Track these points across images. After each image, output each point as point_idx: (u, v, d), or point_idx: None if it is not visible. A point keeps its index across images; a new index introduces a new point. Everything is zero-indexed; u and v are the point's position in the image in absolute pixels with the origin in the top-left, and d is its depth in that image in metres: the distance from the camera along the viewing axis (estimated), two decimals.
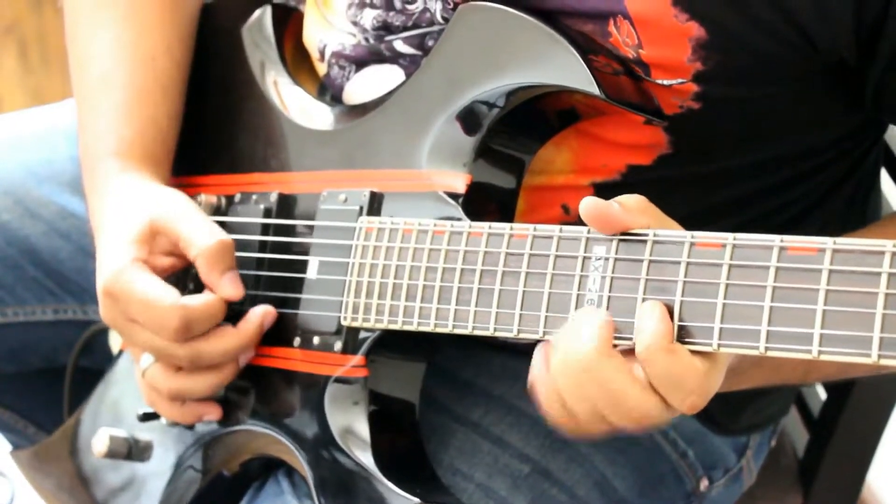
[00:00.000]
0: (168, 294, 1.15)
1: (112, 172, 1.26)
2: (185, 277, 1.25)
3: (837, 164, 1.19)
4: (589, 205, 0.94)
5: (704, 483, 1.31)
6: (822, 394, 1.49)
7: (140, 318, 1.17)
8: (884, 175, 1.31)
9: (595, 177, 1.13)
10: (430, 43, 1.16)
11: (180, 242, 1.19)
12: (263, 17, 1.33)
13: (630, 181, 1.13)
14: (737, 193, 1.16)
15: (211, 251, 1.17)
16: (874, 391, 1.40)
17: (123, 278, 1.17)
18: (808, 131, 1.13)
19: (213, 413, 1.23)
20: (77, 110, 1.33)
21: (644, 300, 0.92)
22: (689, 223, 0.95)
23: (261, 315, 1.18)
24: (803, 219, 1.20)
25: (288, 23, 1.34)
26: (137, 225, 1.20)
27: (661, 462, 1.28)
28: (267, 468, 1.24)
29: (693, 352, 0.90)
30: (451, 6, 1.14)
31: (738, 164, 1.14)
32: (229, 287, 1.18)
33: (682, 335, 0.90)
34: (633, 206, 0.94)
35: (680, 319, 0.90)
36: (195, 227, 1.19)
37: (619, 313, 0.93)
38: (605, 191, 1.13)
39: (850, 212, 1.23)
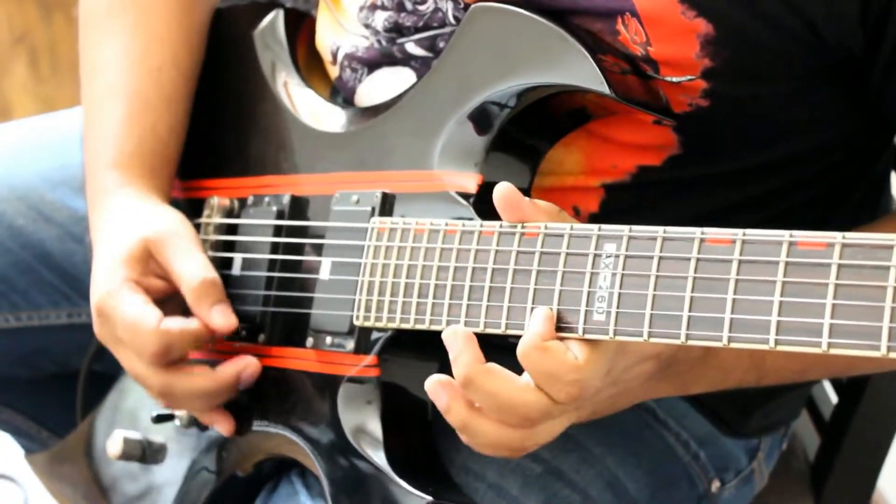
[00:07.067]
0: (151, 317, 1.17)
1: (111, 186, 1.27)
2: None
3: (847, 166, 1.19)
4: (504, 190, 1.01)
5: (716, 485, 1.31)
6: (834, 397, 1.49)
7: (125, 338, 1.19)
8: (894, 179, 1.31)
9: (605, 178, 1.14)
10: (442, 44, 1.17)
11: (171, 274, 1.21)
12: (276, 20, 1.33)
13: (640, 182, 1.13)
14: (745, 196, 1.16)
15: (197, 288, 1.19)
16: (886, 394, 1.40)
17: (113, 299, 1.19)
18: (816, 131, 1.13)
19: (224, 425, 1.23)
20: (83, 118, 1.34)
21: (654, 296, 0.93)
22: (697, 225, 0.95)
23: (241, 366, 1.20)
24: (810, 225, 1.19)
25: (300, 27, 1.35)
26: (131, 245, 1.21)
27: (673, 463, 1.28)
28: (280, 469, 1.24)
29: (588, 341, 0.96)
30: (463, 7, 1.14)
31: (746, 165, 1.14)
32: (219, 318, 1.19)
33: (691, 330, 0.90)
34: (542, 206, 1.01)
35: (690, 313, 0.91)
36: (185, 260, 1.20)
37: (630, 309, 0.94)
38: (615, 192, 1.14)
39: (859, 218, 1.23)
